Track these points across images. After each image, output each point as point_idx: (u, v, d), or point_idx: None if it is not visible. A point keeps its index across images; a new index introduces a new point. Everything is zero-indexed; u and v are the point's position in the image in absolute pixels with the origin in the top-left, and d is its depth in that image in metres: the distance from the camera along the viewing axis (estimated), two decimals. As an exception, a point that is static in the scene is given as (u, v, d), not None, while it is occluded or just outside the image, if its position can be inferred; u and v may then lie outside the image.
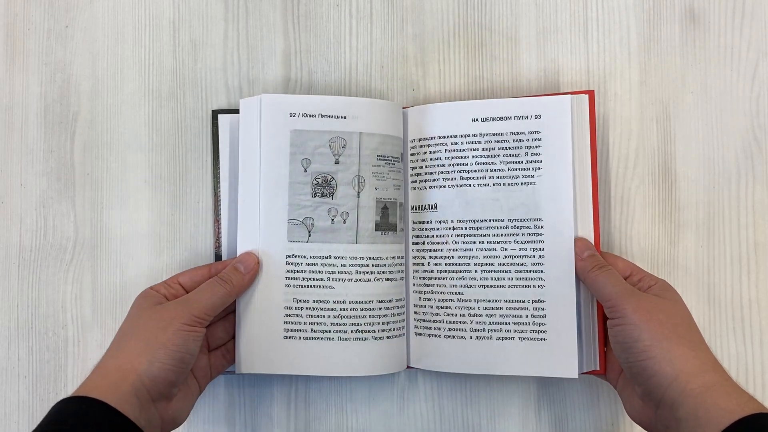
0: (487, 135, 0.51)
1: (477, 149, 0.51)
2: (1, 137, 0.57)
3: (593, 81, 0.56)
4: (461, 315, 0.51)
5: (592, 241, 0.50)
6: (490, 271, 0.51)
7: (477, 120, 0.52)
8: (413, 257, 0.53)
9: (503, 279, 0.51)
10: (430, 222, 0.52)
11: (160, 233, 0.56)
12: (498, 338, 0.50)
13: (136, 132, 0.57)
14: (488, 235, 0.51)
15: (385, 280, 0.51)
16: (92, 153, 0.57)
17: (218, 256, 0.54)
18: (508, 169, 0.51)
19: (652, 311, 0.44)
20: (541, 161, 0.50)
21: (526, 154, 0.51)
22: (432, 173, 0.53)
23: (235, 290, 0.49)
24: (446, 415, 0.55)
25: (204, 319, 0.46)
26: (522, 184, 0.51)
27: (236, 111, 0.53)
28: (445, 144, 0.52)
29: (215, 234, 0.54)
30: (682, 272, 0.55)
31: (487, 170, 0.51)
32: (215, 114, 0.54)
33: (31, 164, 0.57)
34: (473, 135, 0.52)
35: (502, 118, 0.51)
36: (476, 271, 0.51)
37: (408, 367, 0.53)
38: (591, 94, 0.51)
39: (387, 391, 0.55)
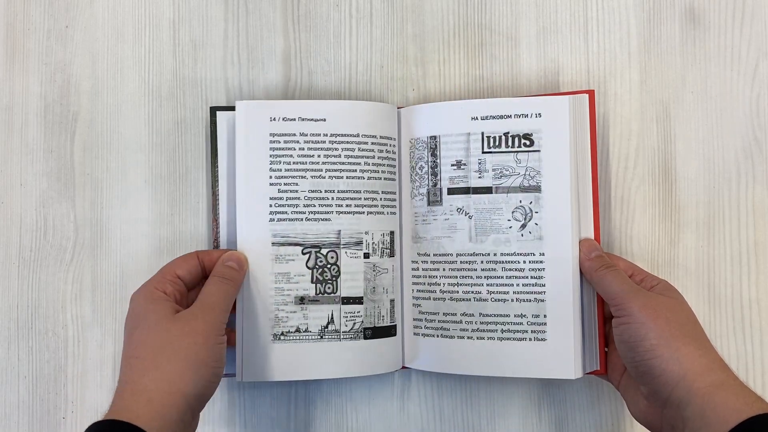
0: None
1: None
2: (1, 137, 0.57)
3: (593, 81, 0.56)
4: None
5: (593, 241, 0.50)
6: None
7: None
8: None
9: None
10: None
11: (160, 233, 0.56)
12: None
13: (136, 132, 0.57)
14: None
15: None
16: (92, 153, 0.57)
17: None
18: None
19: (659, 310, 0.44)
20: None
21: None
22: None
23: (237, 287, 0.48)
24: (446, 415, 0.55)
25: (225, 324, 0.46)
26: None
27: (234, 108, 0.54)
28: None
29: (213, 233, 0.54)
30: (682, 272, 0.55)
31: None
32: (213, 111, 0.54)
33: (31, 164, 0.57)
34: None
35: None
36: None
37: (405, 367, 0.53)
38: (591, 93, 0.51)
39: (387, 391, 0.55)
